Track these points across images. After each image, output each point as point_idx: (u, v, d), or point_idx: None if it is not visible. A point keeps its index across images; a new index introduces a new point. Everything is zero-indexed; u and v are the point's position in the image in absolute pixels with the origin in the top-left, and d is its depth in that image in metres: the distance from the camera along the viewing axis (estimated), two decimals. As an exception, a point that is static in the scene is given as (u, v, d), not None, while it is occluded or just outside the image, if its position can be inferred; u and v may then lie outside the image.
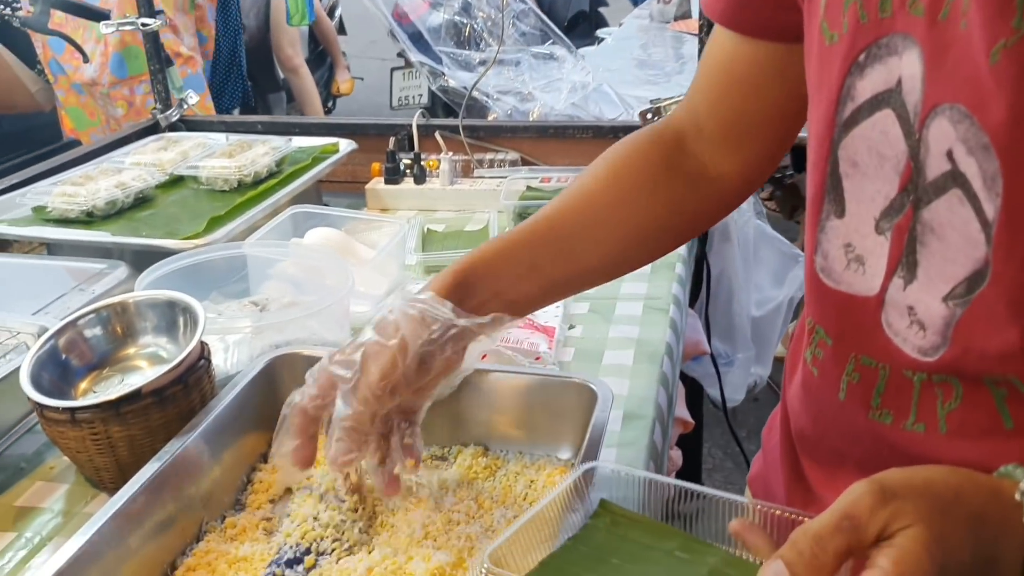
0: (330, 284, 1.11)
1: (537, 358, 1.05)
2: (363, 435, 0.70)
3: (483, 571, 0.55)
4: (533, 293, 0.77)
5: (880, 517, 0.46)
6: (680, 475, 1.55)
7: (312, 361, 0.92)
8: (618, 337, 1.15)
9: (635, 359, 1.09)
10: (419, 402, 0.76)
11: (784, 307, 1.75)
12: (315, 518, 0.78)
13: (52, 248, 1.40)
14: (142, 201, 1.43)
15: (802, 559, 0.46)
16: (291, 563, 0.74)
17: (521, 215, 1.46)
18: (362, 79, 5.03)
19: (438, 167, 1.62)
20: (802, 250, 1.12)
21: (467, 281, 0.74)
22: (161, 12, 1.89)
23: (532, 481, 0.86)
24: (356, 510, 0.79)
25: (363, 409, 0.69)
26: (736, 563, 0.60)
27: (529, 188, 1.54)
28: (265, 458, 0.90)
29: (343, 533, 0.77)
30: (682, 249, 1.40)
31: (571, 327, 1.17)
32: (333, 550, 0.76)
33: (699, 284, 1.59)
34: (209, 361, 0.91)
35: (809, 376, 0.71)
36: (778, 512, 0.59)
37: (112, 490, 0.85)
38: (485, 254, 0.76)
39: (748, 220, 1.65)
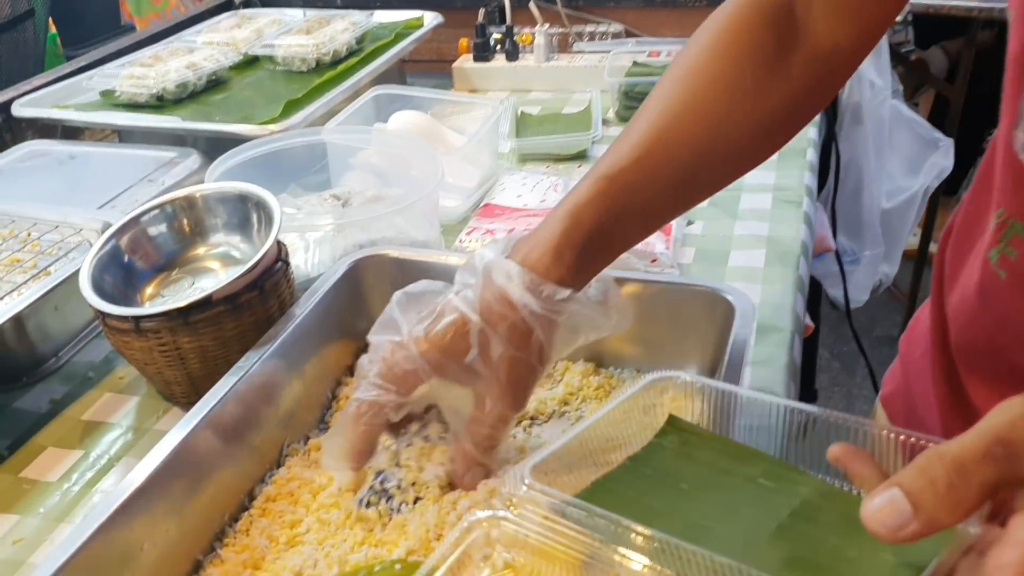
0: (416, 175, 0.99)
1: (653, 260, 0.92)
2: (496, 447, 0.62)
3: (522, 485, 0.45)
4: (648, 232, 0.66)
5: None
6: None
7: (400, 265, 0.82)
8: (745, 235, 1.00)
9: (767, 260, 0.95)
10: None
11: (918, 199, 1.56)
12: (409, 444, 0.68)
13: (123, 136, 1.31)
14: (215, 84, 1.32)
15: (934, 490, 0.34)
16: (385, 492, 0.64)
17: (627, 94, 1.30)
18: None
19: (532, 42, 1.47)
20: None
21: (580, 257, 0.60)
22: None
23: (652, 405, 0.74)
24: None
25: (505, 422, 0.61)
26: (835, 495, 0.48)
27: (635, 64, 1.38)
28: (351, 371, 0.81)
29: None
30: (812, 132, 1.24)
31: (689, 223, 1.03)
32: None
33: (824, 173, 1.42)
34: (287, 263, 0.81)
35: (992, 280, 0.59)
36: (920, 441, 0.46)
37: (185, 405, 0.78)
38: (591, 214, 0.60)
39: (883, 100, 1.44)
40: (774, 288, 0.91)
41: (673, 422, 0.56)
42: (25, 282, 0.85)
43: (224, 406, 0.66)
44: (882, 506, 0.35)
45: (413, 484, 0.63)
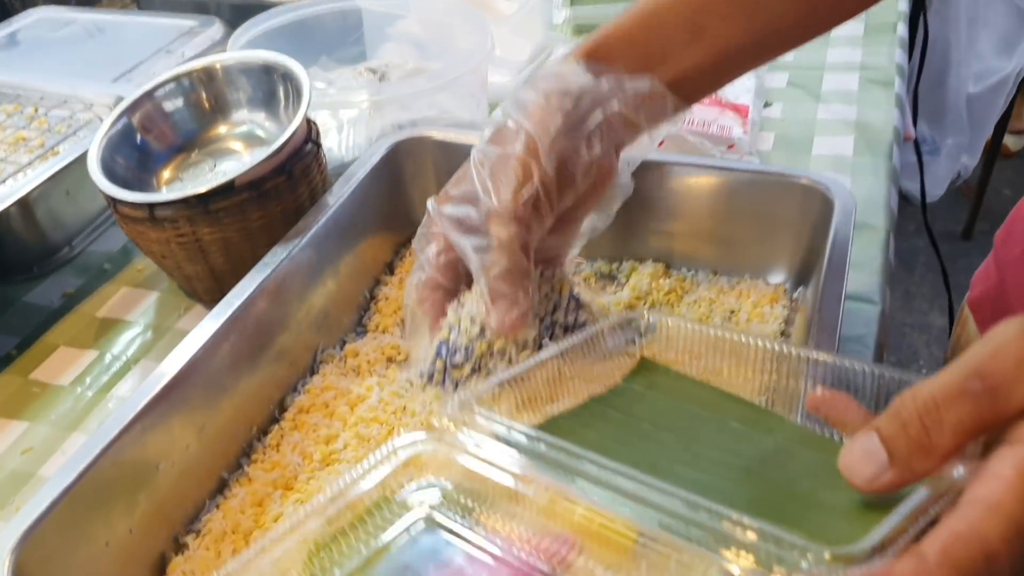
0: (462, 47, 0.88)
1: (730, 146, 0.81)
2: (523, 275, 0.49)
3: (471, 409, 0.41)
4: (702, 63, 0.53)
5: None
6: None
7: (444, 148, 0.73)
8: (830, 119, 0.89)
9: (855, 149, 0.84)
10: (563, 242, 0.55)
11: (1010, 83, 1.42)
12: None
13: (142, 3, 1.20)
14: (238, -55, 1.20)
15: (906, 435, 0.30)
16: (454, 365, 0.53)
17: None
18: None
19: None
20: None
21: (611, 48, 0.52)
22: None
23: (732, 312, 0.66)
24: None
25: (510, 239, 0.49)
26: (814, 440, 0.42)
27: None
28: (391, 269, 0.73)
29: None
30: (902, 4, 1.10)
31: (767, 104, 0.92)
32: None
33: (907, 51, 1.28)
34: (319, 145, 0.72)
35: None
36: None
37: (208, 302, 0.70)
38: (633, 15, 0.53)
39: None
40: (865, 180, 0.80)
41: (646, 364, 0.50)
42: (31, 162, 0.77)
43: (250, 305, 0.59)
44: (857, 453, 0.32)
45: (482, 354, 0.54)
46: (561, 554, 0.37)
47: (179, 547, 0.52)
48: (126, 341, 0.69)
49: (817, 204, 0.64)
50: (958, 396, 0.29)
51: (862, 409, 0.38)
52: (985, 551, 0.26)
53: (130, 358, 0.67)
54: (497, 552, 0.39)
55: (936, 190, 1.38)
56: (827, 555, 0.29)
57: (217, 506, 0.54)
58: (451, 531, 0.41)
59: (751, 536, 0.31)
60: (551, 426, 0.44)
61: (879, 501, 0.33)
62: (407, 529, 0.42)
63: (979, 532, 0.26)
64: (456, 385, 0.52)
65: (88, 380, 0.65)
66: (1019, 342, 0.28)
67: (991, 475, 0.27)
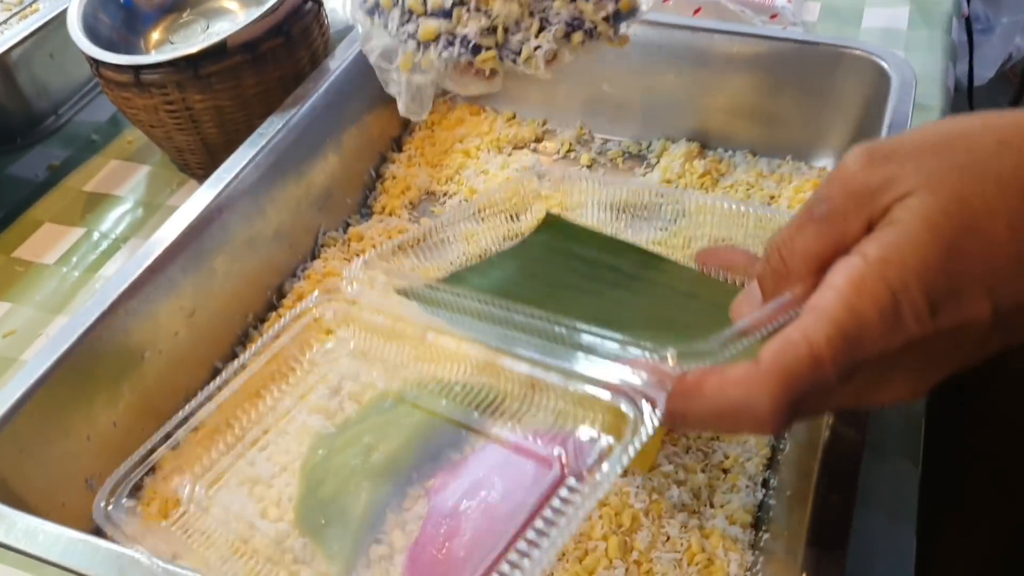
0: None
1: (773, 16, 0.74)
2: None
3: (363, 266, 0.41)
4: None
5: (866, 194, 0.28)
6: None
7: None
8: (884, -12, 0.81)
9: (910, 22, 0.77)
10: None
11: (1073, -46, 1.30)
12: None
13: None
14: None
15: (769, 268, 0.31)
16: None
17: None
18: None
19: None
20: None
21: None
22: None
23: (772, 197, 0.60)
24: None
25: None
26: (704, 282, 0.43)
27: None
28: (399, 145, 0.67)
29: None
30: None
31: (814, -29, 0.84)
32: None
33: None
34: (320, 3, 0.65)
35: None
36: None
37: (201, 176, 0.65)
38: None
39: None
40: (919, 56, 0.73)
41: (550, 219, 0.50)
42: (6, 20, 0.71)
43: (244, 181, 0.54)
44: (740, 298, 0.34)
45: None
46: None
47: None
48: (115, 218, 0.64)
49: (871, 79, 0.58)
50: (806, 223, 0.30)
51: (748, 253, 0.40)
52: (812, 354, 0.27)
53: (119, 236, 0.62)
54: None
55: (985, 72, 1.29)
56: (671, 352, 0.30)
57: (210, 398, 0.50)
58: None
59: (607, 345, 0.32)
60: (452, 279, 0.45)
61: None
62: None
63: (807, 337, 0.27)
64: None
65: (74, 259, 0.61)
66: (856, 165, 0.29)
67: (826, 285, 0.28)
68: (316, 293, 0.42)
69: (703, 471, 0.45)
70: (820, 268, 0.29)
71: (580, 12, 0.47)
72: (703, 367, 0.29)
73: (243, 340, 0.53)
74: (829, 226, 0.29)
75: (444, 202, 0.62)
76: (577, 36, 0.47)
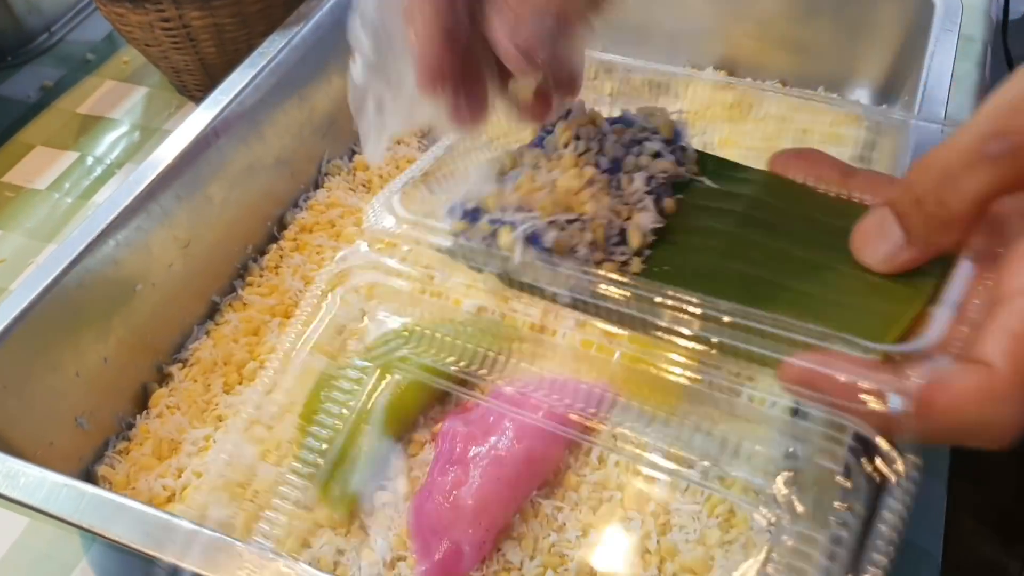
0: None
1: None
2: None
3: (390, 216, 0.35)
4: None
5: None
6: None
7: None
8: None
9: (954, -56, 0.72)
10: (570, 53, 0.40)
11: None
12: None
13: None
14: None
15: (921, 210, 0.26)
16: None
17: None
18: None
19: None
20: None
21: None
22: None
23: (805, 130, 0.56)
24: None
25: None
26: (813, 198, 0.33)
27: None
28: (408, 68, 0.63)
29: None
30: None
31: None
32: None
33: None
34: (325, -84, 0.61)
35: None
36: None
37: (200, 98, 0.61)
38: None
39: None
40: (963, -18, 0.68)
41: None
42: (-6, -70, 0.67)
43: (243, 103, 0.51)
44: (871, 231, 0.29)
45: None
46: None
47: (163, 377, 0.46)
48: (110, 142, 0.61)
49: (912, 6, 0.54)
50: (976, 162, 0.25)
51: (837, 161, 0.33)
52: None
53: (114, 161, 0.59)
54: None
55: (1021, 6, 1.24)
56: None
57: (207, 333, 0.48)
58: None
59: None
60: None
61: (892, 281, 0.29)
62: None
63: None
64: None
65: (67, 185, 0.58)
66: None
67: None
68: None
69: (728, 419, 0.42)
70: (987, 210, 0.25)
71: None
72: (925, 376, 0.25)
73: (242, 273, 0.51)
74: (1009, 165, 0.24)
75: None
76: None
